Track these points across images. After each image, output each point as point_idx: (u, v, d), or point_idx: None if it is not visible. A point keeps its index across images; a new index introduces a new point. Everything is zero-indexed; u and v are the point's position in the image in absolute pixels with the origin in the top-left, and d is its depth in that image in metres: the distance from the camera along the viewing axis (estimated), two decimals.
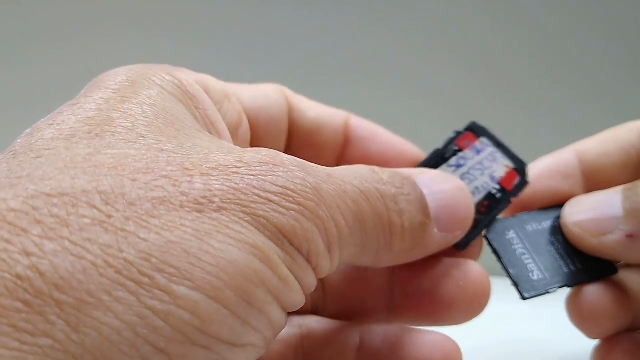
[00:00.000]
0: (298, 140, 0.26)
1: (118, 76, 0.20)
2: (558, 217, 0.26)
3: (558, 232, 0.26)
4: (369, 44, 0.40)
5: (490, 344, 0.33)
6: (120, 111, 0.19)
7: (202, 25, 0.41)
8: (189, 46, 0.41)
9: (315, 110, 0.26)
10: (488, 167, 0.25)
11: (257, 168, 0.18)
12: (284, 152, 0.26)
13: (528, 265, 0.25)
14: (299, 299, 0.18)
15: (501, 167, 0.26)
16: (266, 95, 0.25)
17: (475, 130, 0.26)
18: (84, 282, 0.15)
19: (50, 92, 0.20)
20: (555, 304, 0.26)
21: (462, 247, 0.24)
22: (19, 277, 0.14)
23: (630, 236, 0.23)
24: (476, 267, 0.24)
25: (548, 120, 0.39)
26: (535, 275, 0.25)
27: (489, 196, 0.25)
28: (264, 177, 0.18)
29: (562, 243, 0.25)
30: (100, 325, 0.15)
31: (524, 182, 0.25)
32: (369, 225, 0.20)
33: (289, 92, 0.26)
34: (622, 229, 0.24)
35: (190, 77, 0.22)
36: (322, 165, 0.19)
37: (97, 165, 0.17)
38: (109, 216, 0.16)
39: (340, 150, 0.27)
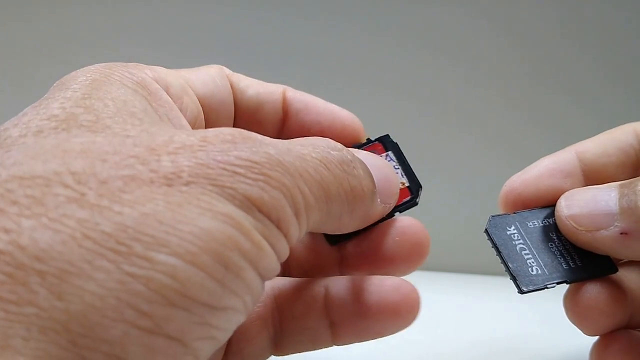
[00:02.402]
0: (241, 119, 0.27)
1: (79, 76, 0.21)
2: None
3: (557, 230, 0.26)
4: (366, 48, 0.41)
5: (488, 341, 0.34)
6: (83, 107, 0.20)
7: (202, 33, 0.42)
8: (188, 56, 0.41)
9: (254, 88, 0.27)
10: None
11: (221, 144, 0.19)
12: None
13: (528, 261, 0.25)
14: (273, 265, 0.19)
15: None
16: (214, 80, 0.26)
17: (385, 144, 0.27)
18: (64, 253, 0.15)
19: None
20: (554, 302, 0.26)
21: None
22: (0, 251, 0.15)
23: (624, 233, 0.24)
24: (410, 221, 0.25)
25: (543, 123, 0.40)
26: (535, 270, 0.25)
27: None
28: (228, 152, 0.18)
29: (562, 240, 0.26)
30: (83, 292, 0.15)
31: (412, 202, 0.26)
32: (332, 191, 0.21)
33: (228, 72, 0.27)
34: (617, 225, 0.24)
35: (148, 74, 0.23)
36: None
37: (67, 150, 0.17)
38: (83, 194, 0.16)
39: (280, 124, 0.28)
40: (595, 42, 0.40)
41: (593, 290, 0.25)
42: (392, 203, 0.25)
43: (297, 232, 0.20)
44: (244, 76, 0.28)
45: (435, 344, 0.34)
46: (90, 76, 0.21)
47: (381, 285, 0.24)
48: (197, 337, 0.16)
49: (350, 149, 0.23)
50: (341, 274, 0.26)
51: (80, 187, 0.16)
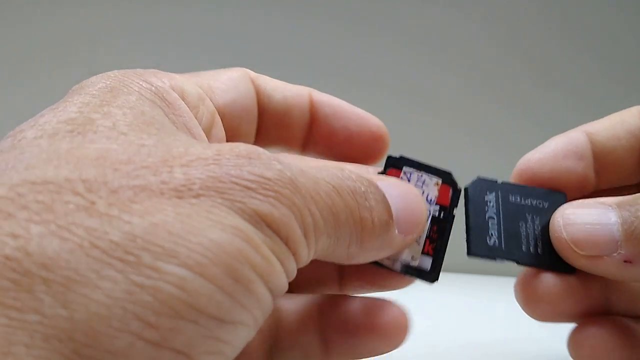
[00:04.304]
0: (267, 123, 0.27)
1: (97, 83, 0.21)
2: (545, 203, 0.26)
3: (537, 214, 0.26)
4: (365, 51, 0.41)
5: (489, 341, 0.33)
6: (101, 113, 0.20)
7: (201, 34, 0.42)
8: (188, 56, 0.41)
9: (281, 92, 0.27)
10: (422, 192, 0.26)
11: (235, 159, 0.18)
12: (255, 137, 0.27)
13: (490, 230, 0.25)
14: (283, 282, 0.18)
15: (432, 187, 0.26)
16: (236, 87, 0.26)
17: (395, 164, 0.26)
18: (71, 262, 0.15)
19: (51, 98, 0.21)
20: None
21: (433, 278, 0.25)
22: (7, 257, 0.15)
23: (628, 261, 0.23)
24: None
25: (541, 123, 0.40)
26: (492, 240, 0.25)
27: (434, 220, 0.25)
28: (241, 167, 0.18)
29: (536, 224, 0.25)
30: (89, 302, 0.15)
31: (457, 191, 0.26)
32: (341, 217, 0.20)
33: (253, 75, 0.27)
34: (620, 252, 0.23)
35: (166, 84, 0.22)
36: (291, 145, 0.20)
37: (80, 157, 0.17)
38: (93, 202, 0.16)
39: (308, 129, 0.27)
40: (591, 36, 0.40)
41: (548, 280, 0.25)
42: (415, 235, 0.24)
43: (306, 253, 0.19)
44: (270, 78, 0.27)
45: (435, 344, 0.34)
46: (110, 83, 0.21)
47: (372, 307, 0.24)
48: (204, 351, 0.16)
49: (374, 177, 0.23)
50: (340, 291, 0.26)
51: (91, 195, 0.16)
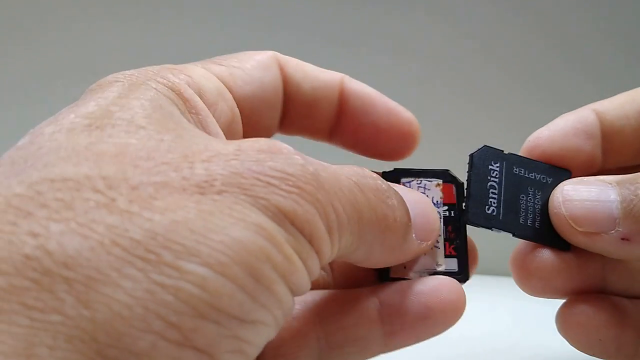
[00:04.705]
0: (293, 112, 0.26)
1: (114, 80, 0.21)
2: (549, 178, 0.26)
3: (539, 189, 0.25)
4: (372, 36, 0.41)
5: (490, 342, 0.33)
6: (119, 105, 0.19)
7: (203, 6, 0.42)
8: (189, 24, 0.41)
9: (310, 81, 0.26)
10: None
11: (256, 154, 0.18)
12: (279, 124, 0.26)
13: (490, 199, 0.25)
14: (305, 281, 0.18)
15: (434, 189, 0.26)
16: (261, 78, 0.25)
17: (391, 179, 0.26)
18: (92, 260, 0.15)
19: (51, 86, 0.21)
20: (551, 303, 0.26)
21: (464, 278, 0.25)
22: (27, 257, 0.15)
23: (625, 239, 0.23)
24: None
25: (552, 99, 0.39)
26: (490, 210, 0.25)
27: (447, 221, 0.25)
28: (263, 162, 0.18)
29: (536, 198, 0.25)
30: (111, 301, 0.15)
31: (460, 185, 0.26)
32: (365, 215, 0.20)
33: (282, 60, 0.26)
34: (618, 230, 0.23)
35: (182, 80, 0.22)
36: (317, 134, 0.19)
37: (99, 154, 0.17)
38: (113, 199, 0.16)
39: (334, 121, 0.27)
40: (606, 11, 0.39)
41: (543, 255, 0.25)
42: (431, 241, 0.24)
43: (329, 250, 0.19)
44: (302, 64, 0.26)
45: (436, 345, 0.34)
46: (127, 80, 0.21)
47: (441, 285, 0.23)
48: (225, 350, 0.16)
49: (391, 184, 0.23)
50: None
51: (111, 192, 0.16)
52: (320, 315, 0.24)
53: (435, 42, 0.41)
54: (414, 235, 0.23)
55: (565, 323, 0.25)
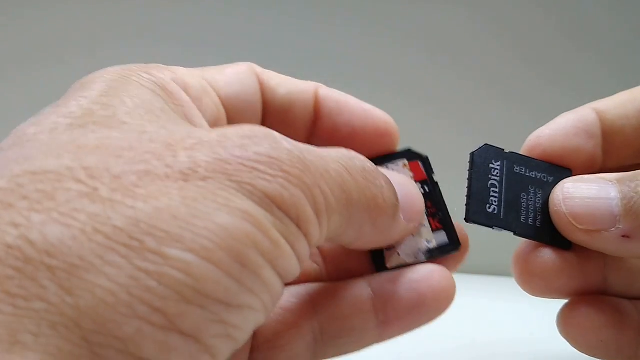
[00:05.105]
0: (271, 118, 0.26)
1: (97, 77, 0.21)
2: (550, 177, 0.26)
3: (540, 187, 0.26)
4: (365, 48, 0.41)
5: (492, 343, 0.33)
6: (100, 104, 0.19)
7: (201, 31, 0.42)
8: (188, 52, 0.41)
9: (286, 87, 0.27)
10: None
11: (240, 140, 0.18)
12: None
13: (491, 198, 0.25)
14: (293, 266, 0.18)
15: (403, 170, 0.26)
16: (240, 80, 0.25)
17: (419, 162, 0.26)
18: (74, 248, 0.15)
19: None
20: (553, 305, 0.26)
21: (456, 246, 0.25)
22: (9, 246, 0.15)
23: (626, 236, 0.23)
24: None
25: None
26: (492, 208, 0.25)
27: (425, 197, 0.25)
28: (247, 148, 0.18)
29: (537, 197, 0.25)
30: (94, 288, 0.14)
31: (426, 160, 0.26)
32: (353, 196, 0.20)
33: (258, 70, 0.26)
34: (619, 227, 0.23)
35: (167, 76, 0.22)
36: (295, 139, 0.19)
37: (80, 146, 0.17)
38: (95, 189, 0.16)
39: (311, 125, 0.27)
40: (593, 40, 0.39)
41: (544, 255, 0.25)
42: (417, 222, 0.25)
43: (318, 233, 0.19)
44: (276, 74, 0.27)
45: (436, 345, 0.34)
46: (109, 77, 0.21)
47: (432, 273, 0.23)
48: (213, 335, 0.16)
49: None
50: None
51: (93, 182, 0.16)
52: (314, 307, 0.24)
53: (436, 39, 0.41)
54: (402, 217, 0.23)
55: (566, 325, 0.25)
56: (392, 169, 0.26)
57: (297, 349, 0.24)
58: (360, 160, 0.21)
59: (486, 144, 0.26)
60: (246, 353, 0.23)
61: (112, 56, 0.24)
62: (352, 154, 0.21)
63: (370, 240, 0.22)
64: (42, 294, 0.14)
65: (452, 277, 0.24)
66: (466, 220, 0.24)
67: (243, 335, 0.17)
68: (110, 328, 0.14)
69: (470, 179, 0.25)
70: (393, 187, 0.23)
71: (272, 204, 0.17)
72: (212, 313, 0.16)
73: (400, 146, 0.27)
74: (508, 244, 0.26)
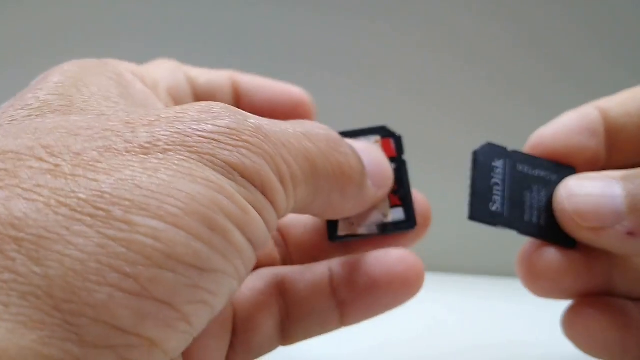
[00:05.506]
0: None
1: (55, 71, 0.21)
2: (553, 175, 0.26)
3: (543, 186, 0.26)
4: (367, 43, 0.41)
5: (493, 344, 0.33)
6: (57, 94, 0.20)
7: (201, 28, 0.42)
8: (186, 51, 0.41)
9: (204, 76, 0.28)
10: None
11: (199, 114, 0.18)
12: None
13: (493, 196, 0.25)
14: (262, 232, 0.18)
15: (373, 145, 0.26)
16: (173, 74, 0.27)
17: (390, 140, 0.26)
18: (39, 221, 0.15)
19: None
20: (558, 306, 0.26)
21: (411, 224, 0.25)
22: None
23: (630, 233, 0.23)
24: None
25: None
26: (494, 207, 0.24)
27: None
28: (206, 121, 0.18)
29: (541, 195, 0.25)
30: (62, 257, 0.14)
31: (398, 138, 0.26)
32: (318, 164, 0.20)
33: (177, 63, 0.28)
34: (624, 225, 0.23)
35: (123, 67, 0.23)
36: None
37: (39, 128, 0.17)
38: (57, 165, 0.16)
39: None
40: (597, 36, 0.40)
41: (549, 255, 0.25)
42: (387, 188, 0.25)
43: (285, 202, 0.19)
44: (192, 67, 0.28)
45: (436, 346, 0.34)
46: (67, 69, 0.21)
47: (386, 257, 0.24)
48: (187, 300, 0.16)
49: None
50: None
51: (54, 159, 0.16)
52: (280, 288, 0.24)
53: (439, 36, 0.42)
54: (370, 183, 0.23)
55: (571, 326, 0.25)
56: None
57: (269, 330, 0.24)
58: (323, 129, 0.21)
59: (488, 142, 0.26)
60: (226, 342, 0.23)
61: (111, 55, 0.25)
62: (315, 124, 0.21)
63: (340, 208, 0.23)
64: (10, 265, 0.14)
65: (417, 261, 0.24)
66: (469, 218, 0.24)
67: (218, 302, 0.17)
68: (81, 296, 0.14)
69: (472, 178, 0.25)
70: (358, 154, 0.23)
71: (235, 171, 0.17)
72: (185, 277, 0.16)
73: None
74: (512, 244, 0.26)
